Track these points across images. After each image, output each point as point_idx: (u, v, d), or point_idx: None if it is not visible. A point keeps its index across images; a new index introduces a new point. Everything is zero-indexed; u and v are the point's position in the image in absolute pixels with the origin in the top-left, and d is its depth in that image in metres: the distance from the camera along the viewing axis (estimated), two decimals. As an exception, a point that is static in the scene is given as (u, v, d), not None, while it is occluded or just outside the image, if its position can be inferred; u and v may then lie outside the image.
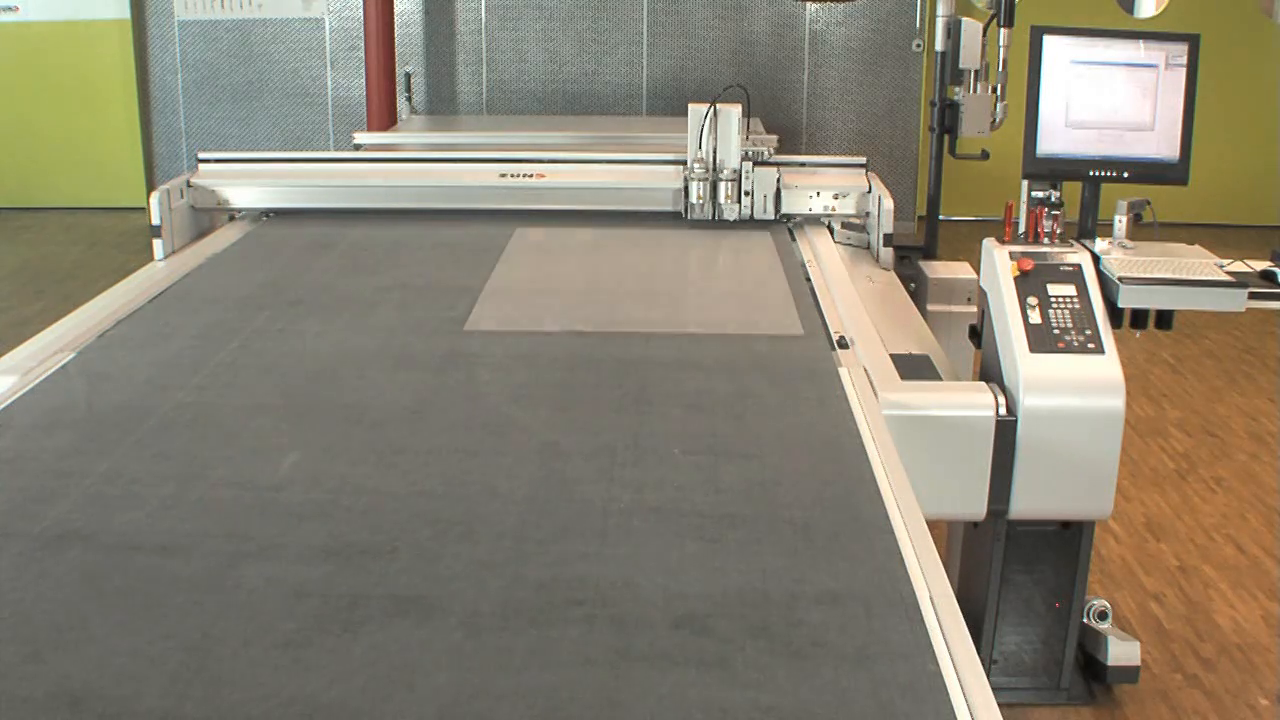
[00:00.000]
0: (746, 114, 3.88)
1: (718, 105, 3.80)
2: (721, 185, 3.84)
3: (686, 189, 3.88)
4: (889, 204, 3.71)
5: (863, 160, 4.02)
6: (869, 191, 3.90)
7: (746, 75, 8.65)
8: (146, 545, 1.83)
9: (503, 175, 3.97)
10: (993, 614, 3.04)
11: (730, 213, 3.85)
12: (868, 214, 3.87)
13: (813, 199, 3.94)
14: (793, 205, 3.94)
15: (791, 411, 2.40)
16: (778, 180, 3.89)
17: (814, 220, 3.97)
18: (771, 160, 3.95)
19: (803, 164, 4.05)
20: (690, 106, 3.82)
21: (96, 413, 2.40)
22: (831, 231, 3.90)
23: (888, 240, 3.71)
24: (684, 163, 3.91)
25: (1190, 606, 3.64)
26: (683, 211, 3.90)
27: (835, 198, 3.92)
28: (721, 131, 3.83)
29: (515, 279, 3.28)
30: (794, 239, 3.79)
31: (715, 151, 3.83)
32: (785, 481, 2.07)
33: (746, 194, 3.87)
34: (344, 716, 1.42)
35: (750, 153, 3.89)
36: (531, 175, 3.95)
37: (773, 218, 3.90)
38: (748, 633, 1.59)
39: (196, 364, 2.63)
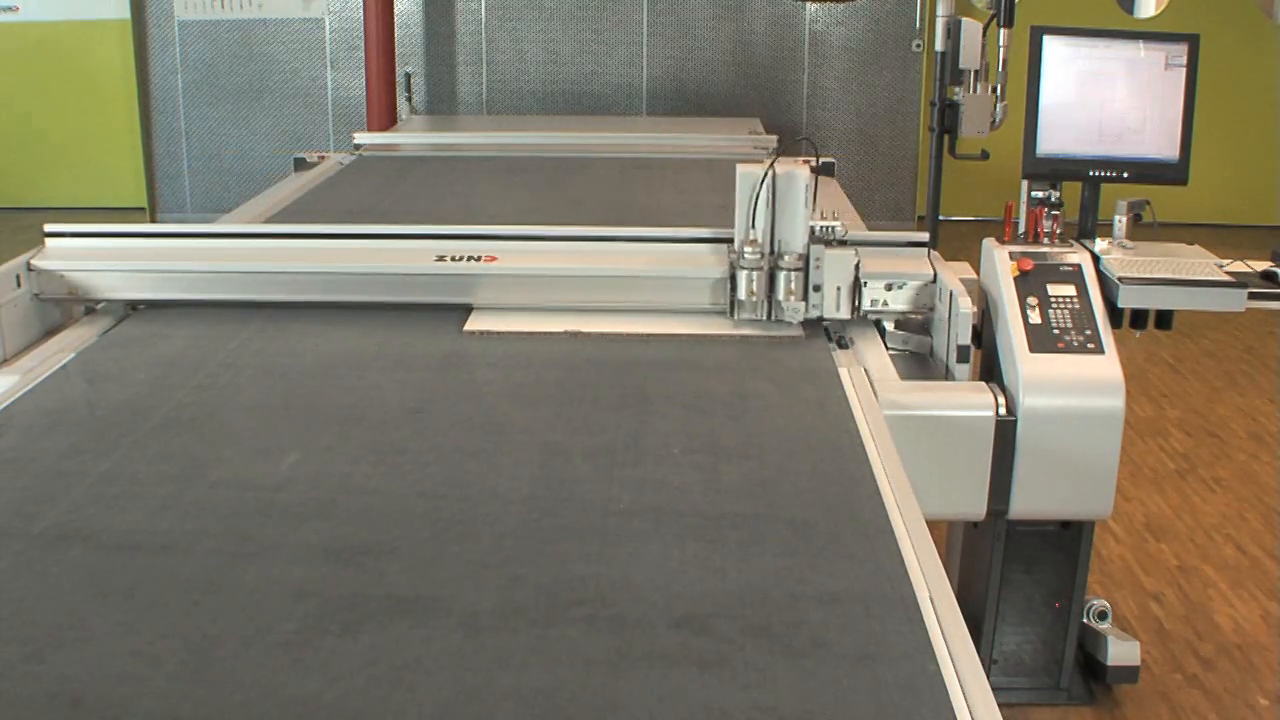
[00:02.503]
0: (816, 176, 2.91)
1: (778, 167, 2.81)
2: (782, 276, 2.82)
3: (734, 280, 2.86)
4: (966, 305, 2.74)
5: (923, 238, 3.01)
6: (933, 281, 2.94)
7: (746, 75, 8.66)
8: (146, 545, 1.83)
9: (441, 258, 2.97)
10: (993, 614, 3.04)
11: (795, 314, 2.85)
12: (930, 309, 2.95)
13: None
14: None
15: (791, 411, 2.40)
16: (856, 267, 2.86)
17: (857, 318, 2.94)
18: (847, 239, 2.89)
19: (843, 243, 2.92)
20: (739, 170, 2.83)
21: (96, 413, 2.40)
22: (882, 333, 2.99)
23: (963, 355, 2.75)
24: (724, 241, 2.95)
25: (1190, 606, 3.65)
26: (729, 310, 2.90)
27: (888, 289, 2.95)
28: (783, 204, 2.81)
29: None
30: (830, 338, 2.89)
31: (773, 230, 2.84)
32: (785, 481, 2.07)
33: (816, 288, 2.85)
34: (344, 716, 1.42)
35: (818, 230, 2.86)
36: (480, 258, 2.97)
37: (848, 317, 2.88)
38: (748, 633, 1.59)
39: (196, 364, 2.63)
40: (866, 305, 2.94)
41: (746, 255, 2.82)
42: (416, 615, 1.63)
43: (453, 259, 2.97)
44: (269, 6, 8.66)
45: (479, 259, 2.97)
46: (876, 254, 2.98)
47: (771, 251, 2.85)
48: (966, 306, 2.74)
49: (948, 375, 2.82)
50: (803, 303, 2.83)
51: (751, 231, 2.83)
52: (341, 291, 3.00)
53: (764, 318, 2.87)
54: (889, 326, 2.99)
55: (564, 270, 2.97)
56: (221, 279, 3.02)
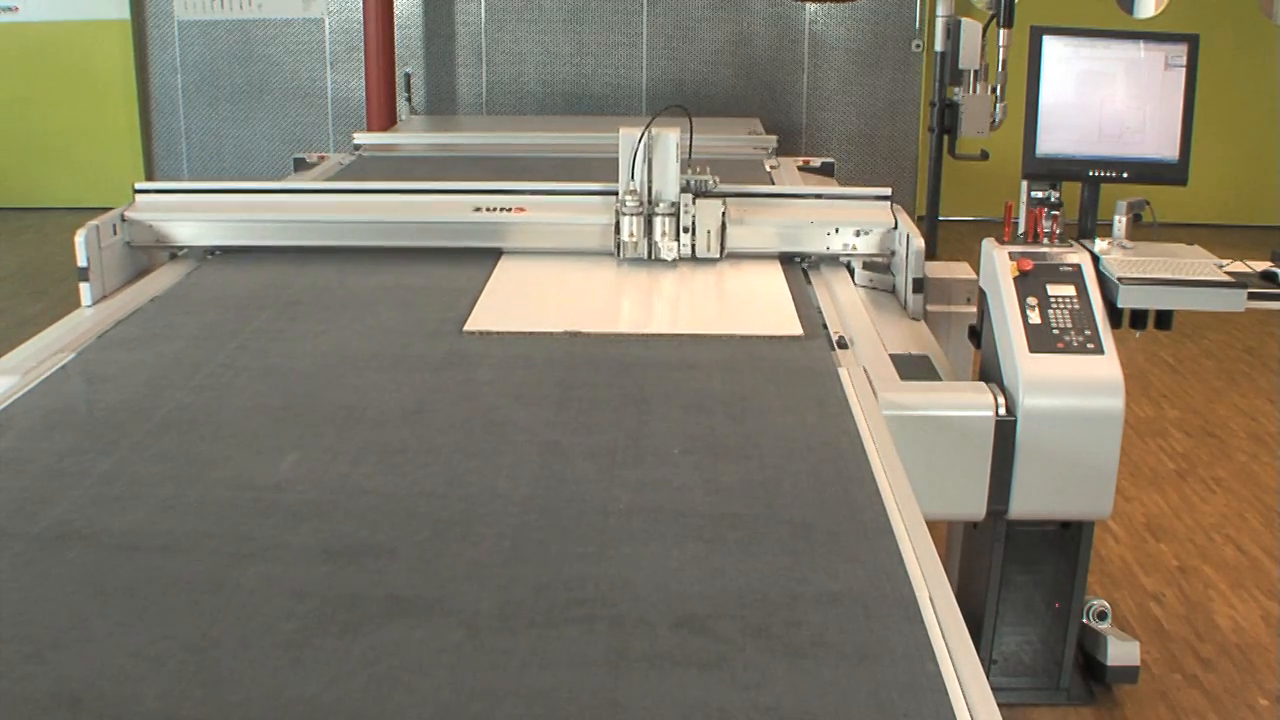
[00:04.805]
0: (690, 138, 3.43)
1: (653, 129, 3.31)
2: (658, 220, 3.35)
3: (618, 225, 3.37)
4: (919, 243, 3.25)
5: (887, 192, 3.52)
6: (894, 228, 3.42)
7: (746, 75, 8.66)
8: (146, 545, 1.83)
9: (477, 209, 3.48)
10: (993, 614, 3.04)
11: (668, 252, 3.35)
12: (893, 253, 3.44)
13: (830, 236, 3.45)
14: (808, 243, 3.46)
15: (791, 412, 2.40)
16: (723, 214, 3.37)
17: (831, 260, 3.50)
18: (715, 191, 3.41)
19: (819, 196, 3.55)
20: (621, 132, 3.33)
21: (96, 413, 2.40)
22: (851, 273, 3.48)
23: (918, 286, 3.26)
24: (612, 194, 3.41)
25: (1190, 606, 3.65)
26: (615, 250, 3.41)
27: (856, 235, 3.44)
28: (658, 160, 3.33)
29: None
30: (809, 281, 3.35)
31: (650, 183, 3.34)
32: (785, 481, 2.07)
33: (686, 230, 3.36)
34: (343, 717, 1.42)
35: (693, 183, 3.37)
36: (510, 209, 3.49)
37: (717, 256, 3.39)
38: (747, 633, 1.59)
39: (196, 364, 2.63)
40: (839, 249, 3.47)
41: (628, 203, 3.33)
42: (416, 615, 1.63)
43: (488, 210, 3.46)
44: (269, 7, 8.66)
45: (510, 210, 3.46)
46: (847, 206, 3.52)
47: (650, 200, 3.36)
48: (919, 245, 3.25)
49: (905, 305, 3.29)
50: (675, 242, 3.36)
51: (631, 183, 3.33)
52: (391, 238, 3.48)
53: (645, 256, 3.38)
54: (858, 268, 3.48)
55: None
56: (289, 228, 3.50)
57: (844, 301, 3.19)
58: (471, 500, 1.99)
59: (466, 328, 2.85)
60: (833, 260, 3.50)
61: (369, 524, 1.91)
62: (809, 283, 3.32)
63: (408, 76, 8.03)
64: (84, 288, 3.17)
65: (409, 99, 8.07)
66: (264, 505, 1.96)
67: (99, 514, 1.93)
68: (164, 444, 2.22)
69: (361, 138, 5.40)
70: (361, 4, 8.09)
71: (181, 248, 3.51)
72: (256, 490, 2.03)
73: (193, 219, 3.49)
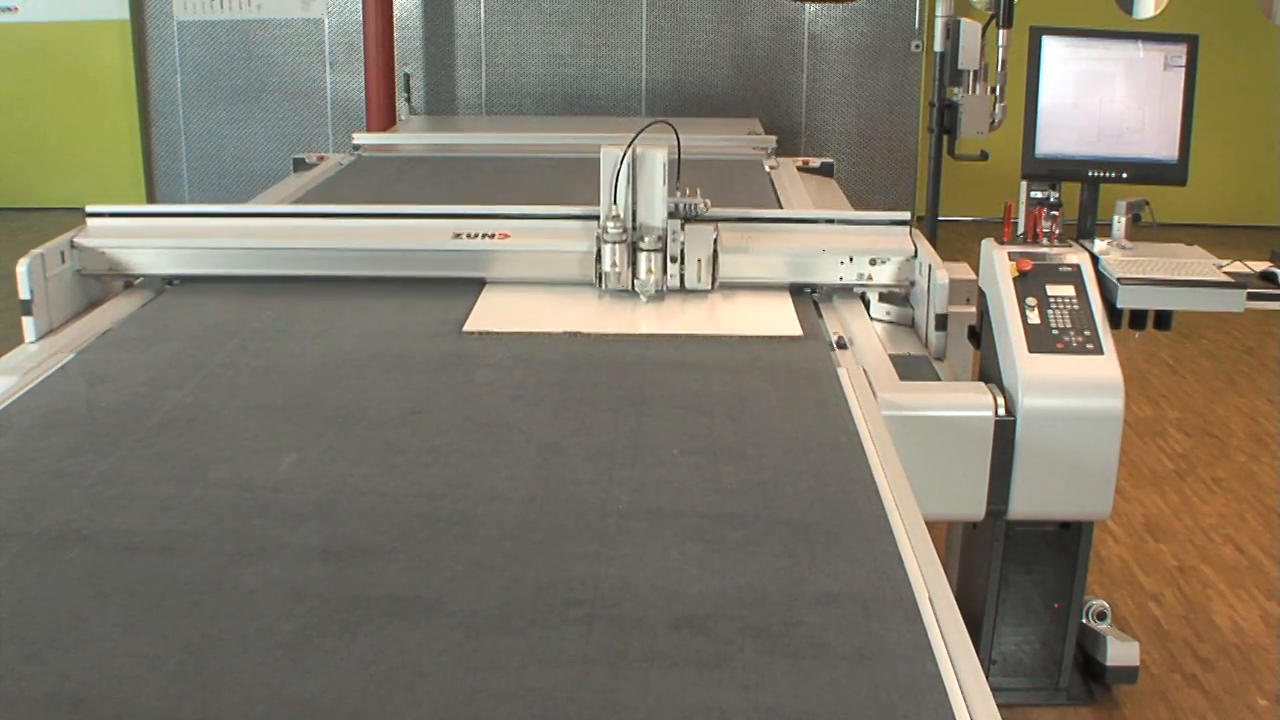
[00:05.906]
0: (679, 154, 3.06)
1: (637, 148, 2.96)
2: (642, 257, 3.00)
3: (599, 254, 3.03)
4: (943, 277, 2.91)
5: (904, 217, 3.20)
6: (914, 257, 3.12)
7: (745, 76, 8.66)
8: (146, 545, 1.83)
9: (457, 235, 3.17)
10: (992, 614, 3.04)
11: (642, 290, 3.02)
12: (912, 283, 3.12)
13: (843, 265, 3.12)
14: (819, 273, 3.14)
15: (790, 412, 2.41)
16: (714, 241, 3.04)
17: (845, 291, 3.17)
18: (705, 216, 3.06)
19: (830, 221, 3.22)
20: (603, 150, 2.99)
21: (96, 413, 2.40)
22: (867, 305, 3.17)
23: (941, 322, 2.93)
24: (593, 219, 3.07)
25: (1189, 607, 3.65)
26: (596, 281, 3.07)
27: (872, 264, 3.12)
28: (642, 183, 2.99)
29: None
30: (820, 314, 3.05)
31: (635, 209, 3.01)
32: (784, 482, 2.07)
33: (674, 259, 3.03)
34: (343, 717, 1.42)
35: (682, 207, 3.03)
36: (494, 235, 3.17)
37: (708, 288, 3.07)
38: (747, 634, 1.59)
39: (196, 364, 2.63)
40: (853, 280, 3.13)
41: (610, 230, 2.98)
42: (416, 616, 1.63)
43: (468, 236, 3.16)
44: (268, 7, 8.65)
45: (493, 236, 3.16)
46: (862, 232, 3.19)
47: (634, 227, 3.02)
48: (943, 278, 2.92)
49: (926, 343, 2.99)
50: (652, 277, 3.00)
51: (614, 207, 2.98)
52: (365, 267, 3.17)
53: (629, 288, 3.05)
54: (874, 299, 3.16)
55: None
56: (253, 255, 3.19)
57: (859, 336, 2.93)
58: (471, 500, 1.99)
59: (466, 328, 2.85)
60: (846, 291, 3.17)
61: (369, 524, 1.91)
62: (820, 316, 3.03)
63: (407, 77, 8.03)
64: (27, 322, 2.86)
65: (408, 99, 8.07)
66: (264, 505, 1.96)
67: (98, 514, 1.93)
68: (163, 444, 2.22)
69: (361, 138, 5.39)
70: (361, 4, 8.08)
71: (137, 276, 3.21)
72: (256, 490, 2.03)
73: (150, 245, 3.19)
